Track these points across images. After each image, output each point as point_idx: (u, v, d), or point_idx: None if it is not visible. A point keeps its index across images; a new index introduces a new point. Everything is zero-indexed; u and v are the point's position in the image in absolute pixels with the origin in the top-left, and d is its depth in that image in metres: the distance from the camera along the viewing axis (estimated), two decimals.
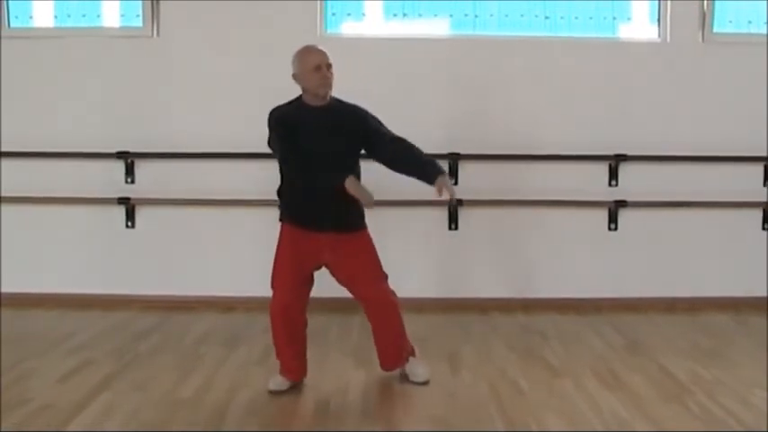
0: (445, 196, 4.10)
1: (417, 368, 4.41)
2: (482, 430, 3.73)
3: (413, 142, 4.25)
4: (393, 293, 4.34)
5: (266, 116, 4.20)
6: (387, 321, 4.32)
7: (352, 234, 4.24)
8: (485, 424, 3.79)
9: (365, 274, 4.26)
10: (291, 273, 4.21)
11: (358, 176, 4.22)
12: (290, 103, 4.24)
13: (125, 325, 5.53)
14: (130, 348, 4.96)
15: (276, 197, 4.33)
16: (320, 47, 4.20)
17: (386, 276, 4.32)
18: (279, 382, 4.25)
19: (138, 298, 6.02)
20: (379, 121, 4.29)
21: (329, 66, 4.13)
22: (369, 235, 4.32)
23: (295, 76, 4.17)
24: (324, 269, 4.30)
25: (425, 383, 4.33)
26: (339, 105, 4.24)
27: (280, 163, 4.22)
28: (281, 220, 4.31)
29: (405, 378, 4.40)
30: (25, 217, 6.10)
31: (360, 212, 4.28)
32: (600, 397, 4.12)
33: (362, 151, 4.29)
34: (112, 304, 5.94)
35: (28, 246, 6.14)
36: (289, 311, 4.21)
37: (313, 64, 4.10)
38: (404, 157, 4.23)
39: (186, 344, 5.10)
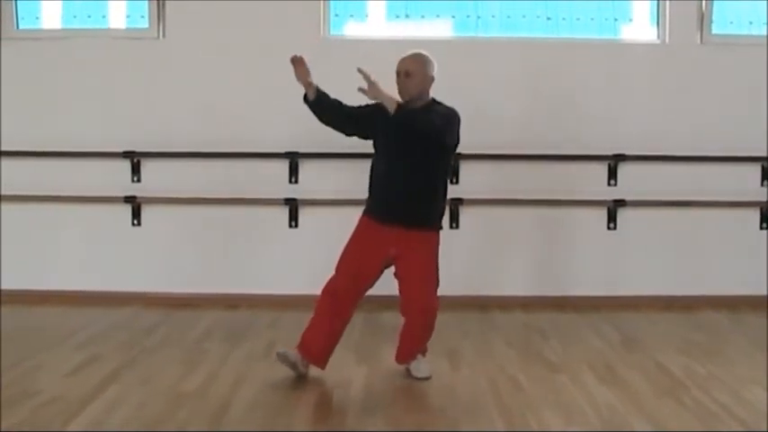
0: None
1: (422, 365, 4.50)
2: (481, 424, 3.80)
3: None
4: (437, 299, 4.43)
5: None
6: (422, 326, 4.43)
7: (421, 232, 4.32)
8: (483, 418, 3.86)
9: (419, 277, 4.34)
10: (353, 261, 4.32)
11: (446, 174, 4.42)
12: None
13: (131, 321, 5.61)
14: (136, 344, 5.04)
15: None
16: (414, 52, 4.35)
17: (438, 284, 4.42)
18: (293, 355, 4.33)
19: (143, 295, 6.10)
20: (450, 124, 4.31)
21: (407, 73, 4.28)
22: (437, 239, 4.40)
23: None
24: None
25: (427, 379, 4.42)
26: (434, 107, 4.36)
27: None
28: (363, 213, 4.42)
29: (407, 372, 4.49)
30: (33, 215, 6.19)
31: (435, 213, 4.38)
32: (596, 392, 4.20)
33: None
34: (118, 301, 6.03)
35: (36, 243, 6.22)
36: (339, 295, 4.30)
37: (396, 71, 4.31)
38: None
39: (191, 340, 5.18)
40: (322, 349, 4.36)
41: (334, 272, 4.37)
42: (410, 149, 4.23)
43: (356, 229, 4.42)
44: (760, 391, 4.19)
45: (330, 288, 4.34)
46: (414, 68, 4.29)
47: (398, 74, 4.30)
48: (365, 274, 4.34)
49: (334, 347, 4.41)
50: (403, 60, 4.33)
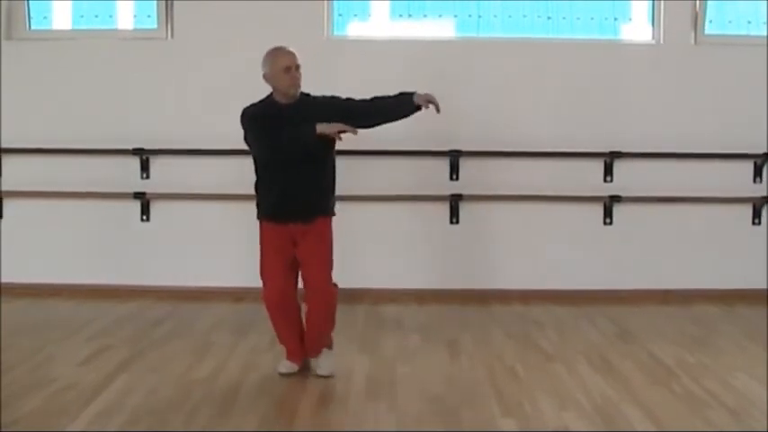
0: (430, 106, 4.27)
1: (324, 361, 4.49)
2: (479, 410, 3.94)
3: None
4: (335, 285, 4.47)
5: None
6: (319, 307, 4.43)
7: (315, 222, 4.38)
8: (481, 404, 4.01)
9: (314, 260, 4.39)
10: (277, 263, 4.40)
11: (333, 167, 4.44)
12: (262, 101, 4.41)
13: (140, 313, 5.75)
14: (145, 335, 5.19)
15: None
16: (290, 48, 4.33)
17: (331, 266, 4.43)
18: (288, 365, 4.47)
19: (151, 288, 6.24)
20: (350, 98, 4.40)
21: (298, 67, 4.28)
22: (330, 224, 4.44)
23: (265, 77, 4.33)
24: None
25: (329, 377, 4.42)
26: (308, 99, 4.38)
27: (254, 160, 4.42)
28: (258, 218, 4.48)
29: (307, 368, 4.50)
30: (45, 211, 6.33)
31: (325, 203, 4.43)
32: (590, 380, 4.34)
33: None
34: (127, 294, 6.16)
35: (48, 238, 6.35)
36: (282, 299, 4.40)
37: (283, 65, 4.26)
38: (379, 106, 4.38)
39: (198, 331, 5.31)
40: (301, 348, 4.48)
41: (263, 282, 4.44)
42: (305, 154, 4.27)
43: (262, 235, 4.47)
44: (747, 380, 4.33)
45: (270, 298, 4.41)
46: (299, 62, 4.31)
47: (289, 69, 4.25)
48: (290, 270, 4.42)
49: (304, 336, 4.48)
50: (289, 54, 4.28)
